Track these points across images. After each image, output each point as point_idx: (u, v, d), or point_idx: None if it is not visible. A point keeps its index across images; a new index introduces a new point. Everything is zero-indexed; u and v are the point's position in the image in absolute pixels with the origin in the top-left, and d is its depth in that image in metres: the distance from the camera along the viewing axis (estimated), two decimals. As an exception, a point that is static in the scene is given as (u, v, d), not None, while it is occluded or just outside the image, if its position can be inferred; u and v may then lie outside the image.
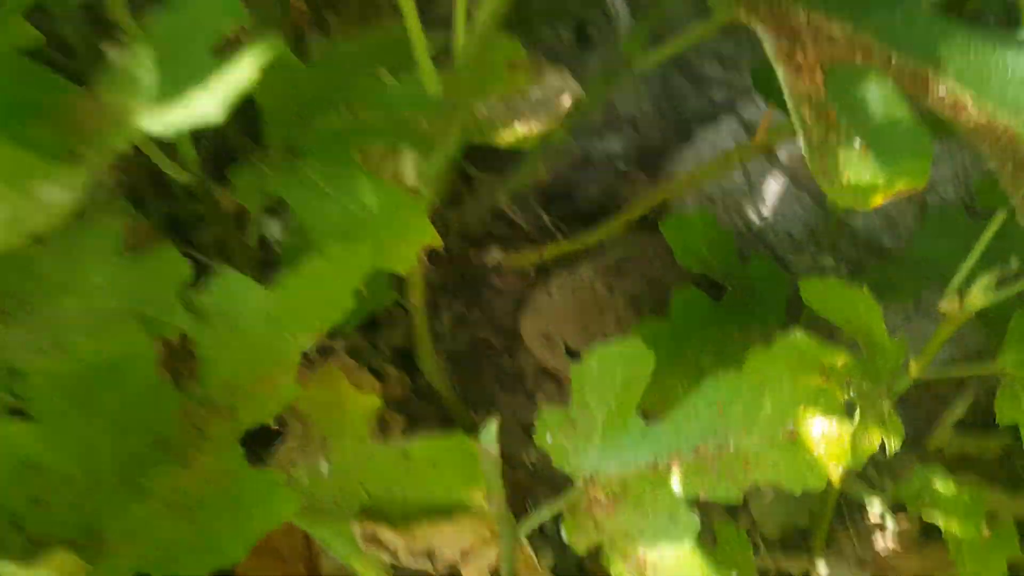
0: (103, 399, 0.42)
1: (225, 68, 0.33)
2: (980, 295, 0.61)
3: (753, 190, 1.07)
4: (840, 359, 0.62)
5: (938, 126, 0.51)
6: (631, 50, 0.65)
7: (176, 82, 0.35)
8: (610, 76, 0.67)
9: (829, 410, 0.51)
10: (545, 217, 1.21)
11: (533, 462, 0.87)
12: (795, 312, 1.00)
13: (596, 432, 0.52)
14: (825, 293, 0.65)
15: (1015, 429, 1.00)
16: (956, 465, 0.95)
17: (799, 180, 1.03)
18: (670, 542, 0.48)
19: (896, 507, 0.89)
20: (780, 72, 0.52)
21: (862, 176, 0.49)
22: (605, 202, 1.27)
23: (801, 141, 0.49)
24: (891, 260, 0.88)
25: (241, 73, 0.31)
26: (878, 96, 0.52)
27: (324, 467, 0.60)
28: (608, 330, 0.81)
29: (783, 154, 1.05)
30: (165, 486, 0.43)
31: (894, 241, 0.94)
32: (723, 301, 0.79)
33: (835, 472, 0.50)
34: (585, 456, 0.52)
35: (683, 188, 0.86)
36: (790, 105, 0.51)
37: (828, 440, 0.50)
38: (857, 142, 0.49)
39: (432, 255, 1.06)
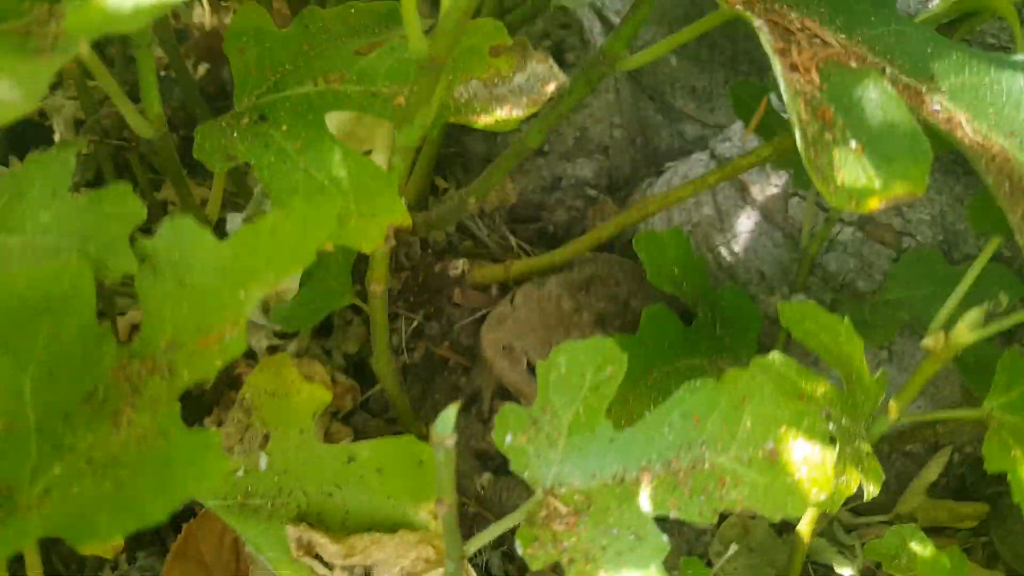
0: (34, 340, 0.37)
1: None
2: (966, 332, 0.59)
3: (724, 224, 1.05)
4: (821, 386, 0.59)
5: (936, 139, 0.49)
6: (614, 50, 0.62)
7: None
8: (592, 77, 0.64)
9: (813, 433, 0.47)
10: (511, 238, 1.18)
11: (483, 487, 0.81)
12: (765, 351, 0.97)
13: (561, 436, 0.47)
14: (804, 318, 0.62)
15: (992, 497, 0.98)
16: (928, 534, 0.92)
17: (772, 217, 1.01)
18: (634, 566, 0.43)
19: (866, 573, 0.85)
20: (776, 67, 0.49)
21: (858, 178, 0.46)
22: (572, 226, 1.24)
23: (796, 136, 0.46)
24: (865, 302, 0.86)
25: None
26: (876, 98, 0.49)
27: (263, 461, 0.54)
28: (573, 348, 0.77)
29: (756, 190, 1.03)
30: (89, 444, 0.37)
31: (868, 284, 0.92)
32: (694, 327, 0.76)
33: (816, 499, 0.45)
34: (547, 462, 0.47)
35: (654, 212, 0.83)
36: (786, 99, 0.48)
37: (810, 464, 0.46)
38: (853, 143, 0.47)
39: (394, 263, 1.01)
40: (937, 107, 0.54)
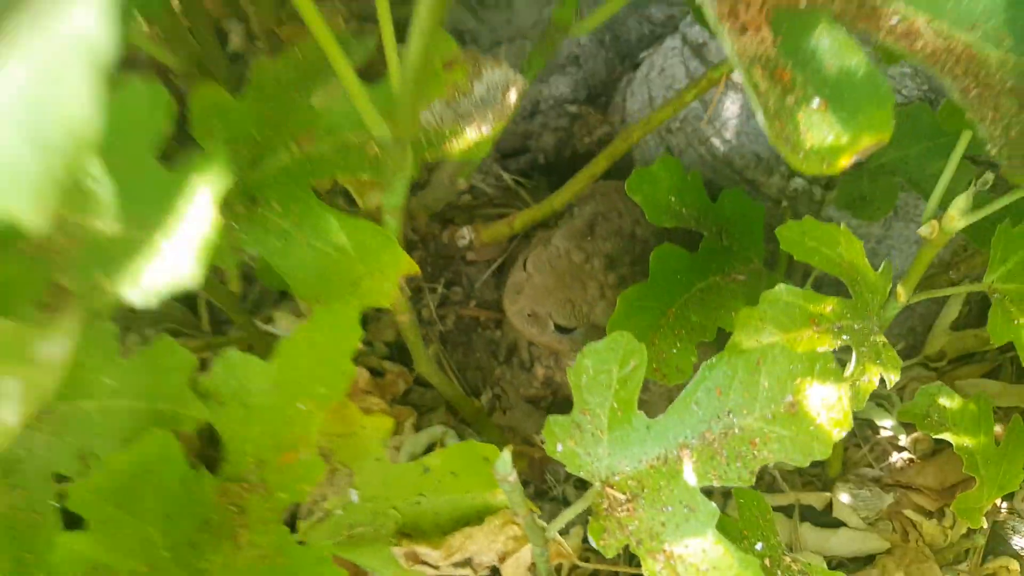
0: (145, 498, 0.43)
1: (176, 187, 0.30)
2: (958, 218, 0.61)
3: (711, 114, 1.05)
4: (828, 304, 0.62)
5: (890, 56, 0.49)
6: (564, 19, 0.62)
7: (133, 198, 0.33)
8: (547, 48, 0.64)
9: (825, 375, 0.51)
10: (506, 176, 1.19)
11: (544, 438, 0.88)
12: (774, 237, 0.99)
13: (603, 433, 0.52)
14: (804, 236, 0.65)
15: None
16: (960, 363, 0.97)
17: (757, 98, 1.00)
18: (692, 534, 0.49)
19: (904, 423, 0.91)
20: (725, 36, 0.49)
21: (825, 138, 0.47)
22: (561, 148, 1.25)
23: (758, 112, 0.47)
24: (862, 172, 0.87)
25: (200, 220, 0.28)
26: (830, 45, 0.50)
27: (354, 495, 0.61)
28: (591, 298, 0.81)
29: (736, 74, 1.02)
30: (219, 565, 0.43)
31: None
32: (701, 250, 0.79)
33: (838, 437, 0.50)
34: (597, 458, 0.52)
35: (639, 138, 0.84)
36: (741, 72, 0.49)
37: (828, 406, 0.51)
38: (816, 101, 0.48)
39: (404, 241, 1.04)
40: (895, 19, 0.54)
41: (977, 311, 1.01)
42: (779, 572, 0.55)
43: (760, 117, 0.48)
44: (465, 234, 0.91)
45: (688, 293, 0.77)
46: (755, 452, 0.50)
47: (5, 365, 0.30)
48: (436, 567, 0.63)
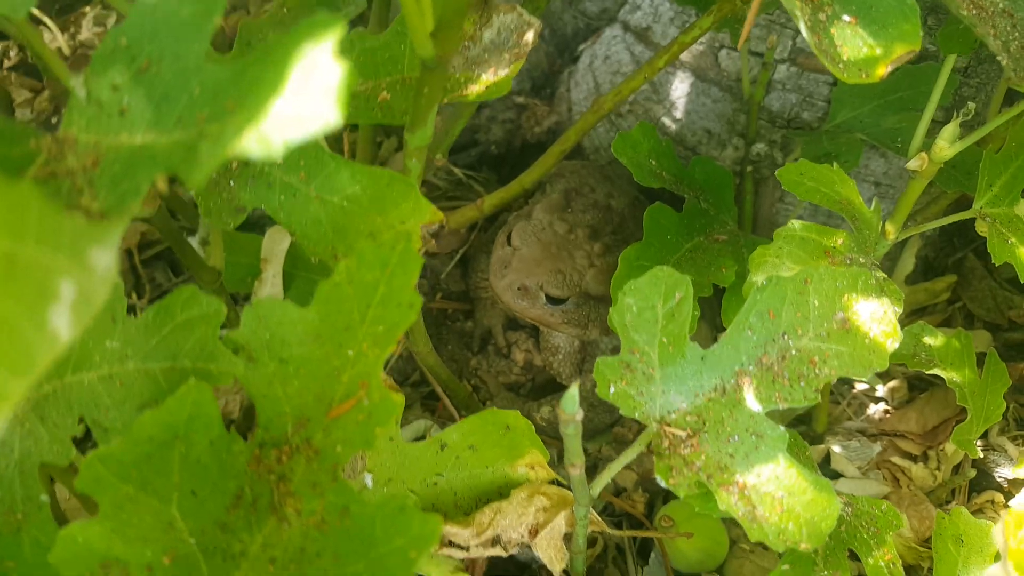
0: (170, 472, 0.36)
1: (295, 56, 0.25)
2: (947, 147, 0.63)
3: (660, 94, 1.06)
4: (839, 238, 0.63)
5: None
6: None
7: (186, 104, 0.28)
8: (540, 4, 0.62)
9: (868, 290, 0.51)
10: (456, 170, 1.16)
11: (544, 419, 0.84)
12: (739, 200, 1.01)
13: (655, 370, 0.50)
14: (803, 177, 0.65)
15: (955, 265, 1.07)
16: (915, 316, 1.01)
17: (704, 75, 1.03)
18: (763, 460, 0.47)
19: (879, 373, 0.93)
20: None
21: (860, 50, 0.48)
22: (511, 139, 1.23)
23: (801, 27, 0.47)
24: (819, 134, 0.90)
25: (327, 66, 0.24)
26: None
27: (368, 479, 0.55)
28: (580, 266, 0.79)
29: (683, 54, 1.04)
30: (261, 544, 0.37)
31: (812, 113, 0.96)
32: (684, 212, 0.79)
33: (893, 348, 0.50)
34: (650, 397, 0.50)
35: (609, 110, 0.83)
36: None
37: (877, 319, 0.50)
38: (846, 16, 0.48)
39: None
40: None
41: (923, 267, 1.06)
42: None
43: (803, 29, 0.48)
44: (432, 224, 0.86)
45: (679, 253, 0.76)
46: (816, 371, 0.49)
47: (62, 261, 0.25)
48: (466, 547, 0.58)
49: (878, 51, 0.47)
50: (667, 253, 0.75)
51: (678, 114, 1.06)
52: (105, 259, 0.27)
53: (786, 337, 0.50)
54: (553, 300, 0.78)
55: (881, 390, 0.91)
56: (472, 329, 0.98)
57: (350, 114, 0.53)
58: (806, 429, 0.89)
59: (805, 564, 0.50)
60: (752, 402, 0.49)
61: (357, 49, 0.54)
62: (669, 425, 0.50)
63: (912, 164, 0.66)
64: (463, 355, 0.96)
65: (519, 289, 0.77)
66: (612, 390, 0.50)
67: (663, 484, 0.48)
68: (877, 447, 0.85)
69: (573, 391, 0.43)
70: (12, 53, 1.08)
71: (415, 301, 0.38)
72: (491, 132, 1.18)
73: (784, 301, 0.50)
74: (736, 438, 0.48)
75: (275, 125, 0.24)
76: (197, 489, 0.38)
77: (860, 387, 0.92)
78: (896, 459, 0.85)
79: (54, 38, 1.12)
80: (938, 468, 0.85)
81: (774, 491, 0.46)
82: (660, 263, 0.74)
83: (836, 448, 0.83)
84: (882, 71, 0.48)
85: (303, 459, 0.39)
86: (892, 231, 0.70)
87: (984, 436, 0.88)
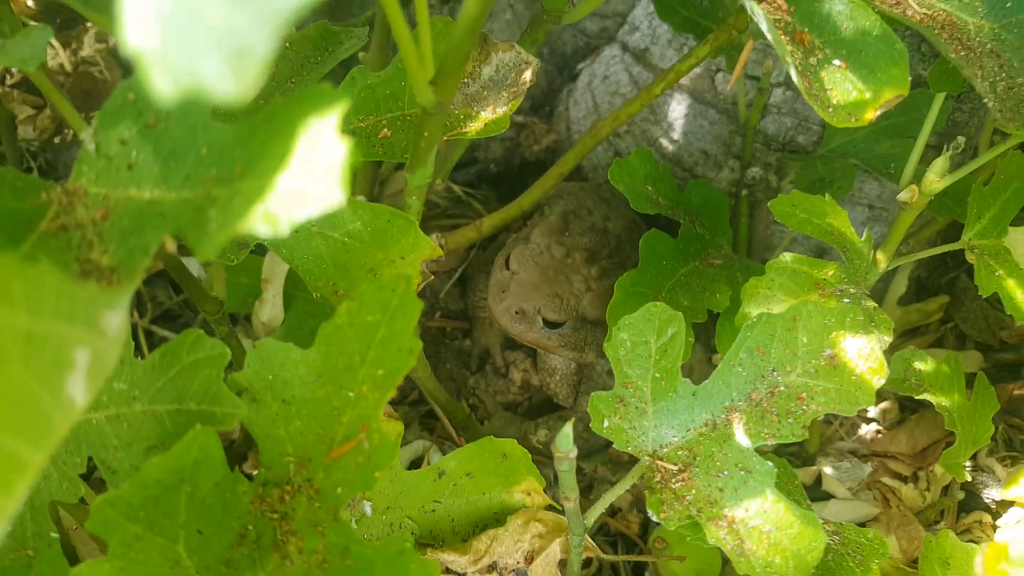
0: (176, 512, 0.37)
1: (303, 140, 0.27)
2: (937, 180, 0.64)
3: (658, 115, 1.08)
4: (829, 270, 0.64)
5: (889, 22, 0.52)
6: (557, 7, 0.62)
7: (193, 162, 0.29)
8: (539, 35, 0.64)
9: (856, 327, 0.52)
10: (456, 188, 1.17)
11: (540, 442, 0.85)
12: (734, 224, 1.02)
13: (647, 405, 0.51)
14: (795, 209, 0.66)
15: (948, 285, 1.09)
16: (908, 337, 1.03)
17: (701, 97, 1.04)
18: (751, 495, 0.48)
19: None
20: (747, 4, 0.51)
21: (849, 94, 0.49)
22: (510, 158, 1.25)
23: (792, 72, 0.48)
24: (814, 158, 0.91)
25: (331, 143, 0.25)
26: (843, 9, 0.52)
27: (367, 507, 0.56)
28: (577, 290, 0.80)
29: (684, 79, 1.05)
30: None
31: (808, 137, 0.97)
32: (680, 237, 0.80)
33: (879, 385, 0.51)
34: (643, 431, 0.51)
35: (606, 134, 0.84)
36: (768, 34, 0.50)
37: (863, 356, 0.52)
38: (836, 60, 0.49)
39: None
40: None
41: (916, 288, 1.08)
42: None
43: (793, 74, 0.49)
44: (435, 238, 0.88)
45: (674, 278, 0.77)
46: (804, 407, 0.50)
47: (76, 330, 0.26)
48: (463, 574, 0.60)
49: (867, 95, 0.49)
50: (663, 279, 0.76)
51: (675, 135, 1.07)
52: (117, 321, 0.28)
53: (775, 373, 0.51)
54: (550, 324, 0.79)
55: (873, 411, 0.92)
56: (470, 348, 0.99)
57: (361, 152, 0.54)
58: (798, 450, 0.90)
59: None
60: (742, 437, 0.50)
61: (359, 85, 0.55)
62: (661, 459, 0.51)
63: (903, 196, 0.67)
64: (461, 373, 0.97)
65: (517, 313, 0.78)
66: (606, 424, 0.51)
67: (654, 518, 0.49)
68: (868, 468, 0.86)
69: (568, 430, 0.44)
70: (14, 71, 1.09)
71: (415, 346, 0.39)
72: (490, 150, 1.19)
73: (773, 338, 0.51)
74: (726, 473, 0.49)
75: (281, 202, 0.25)
76: (203, 528, 0.39)
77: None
78: (886, 479, 0.86)
79: (56, 54, 1.13)
80: (927, 489, 0.86)
81: (761, 525, 0.47)
82: (656, 289, 0.76)
83: (827, 469, 0.85)
84: (871, 115, 0.49)
85: (305, 498, 0.40)
86: (883, 260, 0.71)
87: (973, 457, 0.90)
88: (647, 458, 0.51)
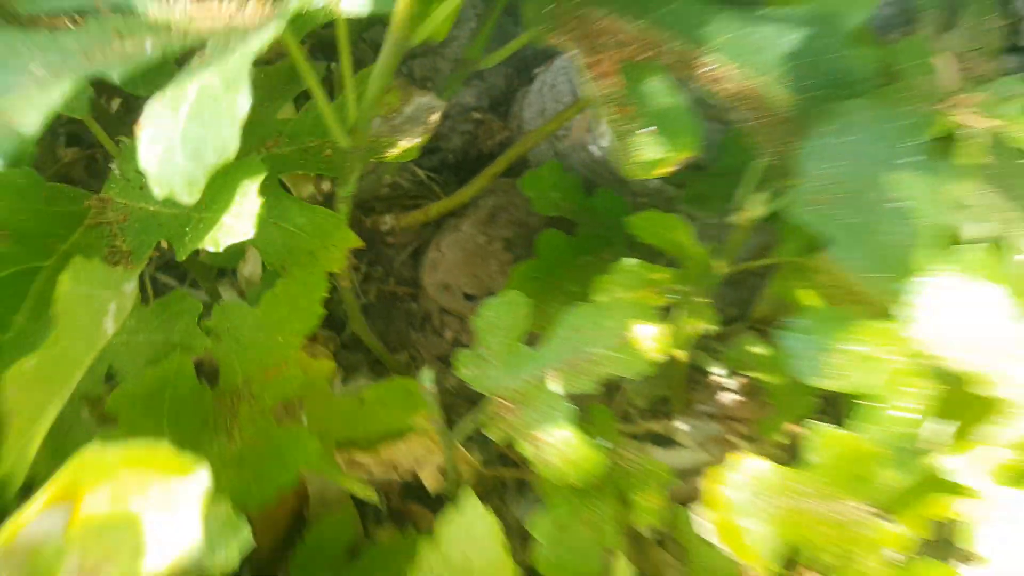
0: (162, 404, 0.59)
1: (223, 180, 0.48)
2: (756, 208, 0.85)
3: (591, 124, 1.27)
4: (660, 274, 0.85)
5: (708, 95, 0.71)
6: (473, 56, 0.82)
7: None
8: (461, 75, 0.84)
9: (647, 318, 0.73)
10: (420, 172, 1.38)
11: (452, 386, 1.08)
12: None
13: (498, 362, 0.73)
14: (650, 224, 0.87)
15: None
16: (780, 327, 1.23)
17: (628, 113, 1.23)
18: (555, 425, 0.70)
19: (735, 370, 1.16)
20: (589, 81, 0.71)
21: (656, 153, 0.69)
22: (468, 149, 1.45)
23: (612, 134, 0.69)
24: (704, 174, 1.11)
25: (251, 201, 0.46)
26: (659, 88, 0.71)
27: (304, 420, 0.79)
28: (492, 272, 1.01)
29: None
30: (216, 453, 0.61)
31: (707, 155, 1.17)
32: (577, 235, 1.01)
33: (658, 358, 0.73)
34: (492, 379, 0.73)
35: (534, 145, 1.05)
36: (600, 105, 0.70)
37: (651, 338, 0.73)
38: (649, 128, 0.69)
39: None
40: (712, 66, 0.76)
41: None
42: (620, 460, 0.78)
43: (609, 133, 0.69)
44: (387, 221, 1.09)
45: (566, 268, 0.98)
46: (598, 370, 0.72)
47: (108, 292, 0.48)
48: (369, 469, 0.83)
49: (668, 155, 0.69)
50: (555, 269, 0.97)
51: (603, 143, 1.27)
52: (131, 287, 0.50)
53: (586, 346, 0.73)
54: (469, 297, 1.00)
55: (733, 383, 1.14)
56: (416, 311, 1.21)
57: (302, 164, 0.75)
58: (667, 408, 1.13)
59: (580, 494, 0.74)
60: (555, 387, 0.72)
61: (312, 115, 0.76)
62: (501, 398, 0.73)
63: (733, 218, 0.88)
64: (407, 330, 1.20)
65: (442, 286, 1.00)
66: (466, 371, 0.73)
67: (488, 435, 0.71)
68: (716, 426, 1.08)
69: (428, 372, 0.66)
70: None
71: (319, 312, 0.61)
72: (451, 141, 1.39)
73: (587, 321, 0.73)
74: (542, 410, 0.71)
75: (222, 231, 0.46)
76: (179, 416, 0.62)
77: (716, 378, 1.15)
78: (731, 437, 1.08)
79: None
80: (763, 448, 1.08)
81: (557, 444, 0.70)
82: (548, 276, 0.97)
83: (682, 425, 1.07)
84: (664, 171, 0.69)
85: (246, 403, 0.62)
86: (720, 267, 0.92)
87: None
88: (492, 397, 0.73)
